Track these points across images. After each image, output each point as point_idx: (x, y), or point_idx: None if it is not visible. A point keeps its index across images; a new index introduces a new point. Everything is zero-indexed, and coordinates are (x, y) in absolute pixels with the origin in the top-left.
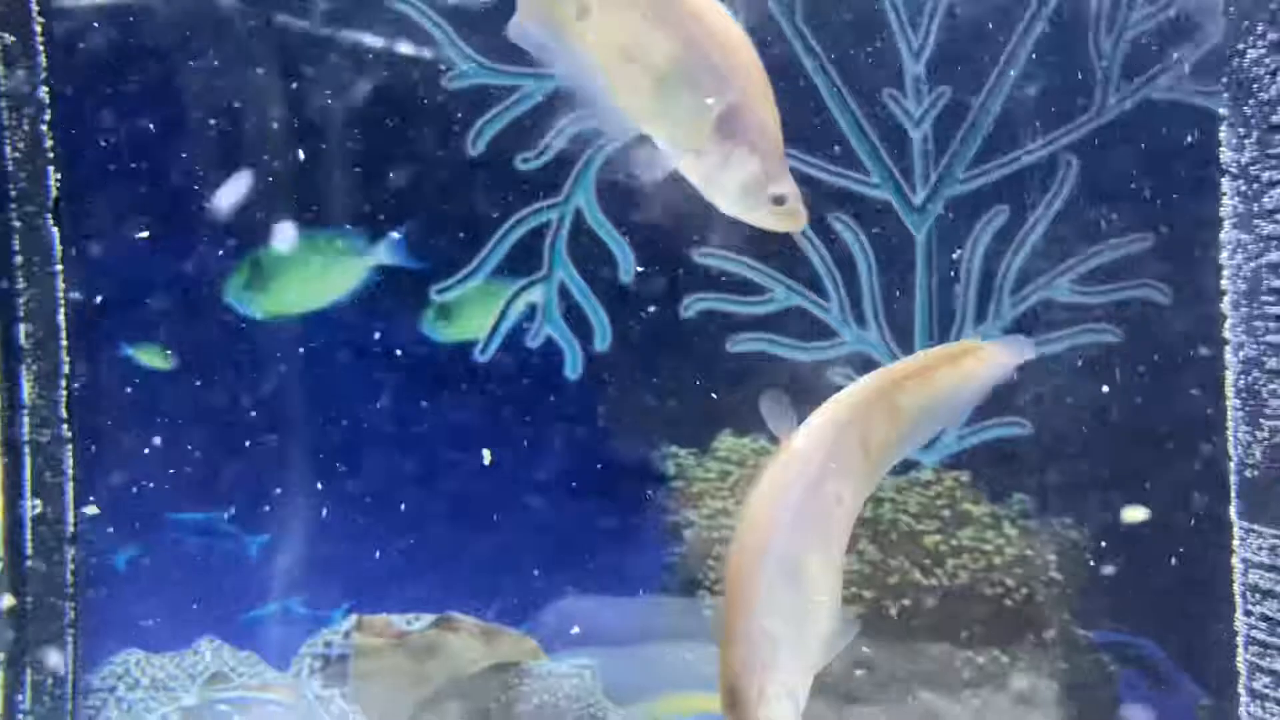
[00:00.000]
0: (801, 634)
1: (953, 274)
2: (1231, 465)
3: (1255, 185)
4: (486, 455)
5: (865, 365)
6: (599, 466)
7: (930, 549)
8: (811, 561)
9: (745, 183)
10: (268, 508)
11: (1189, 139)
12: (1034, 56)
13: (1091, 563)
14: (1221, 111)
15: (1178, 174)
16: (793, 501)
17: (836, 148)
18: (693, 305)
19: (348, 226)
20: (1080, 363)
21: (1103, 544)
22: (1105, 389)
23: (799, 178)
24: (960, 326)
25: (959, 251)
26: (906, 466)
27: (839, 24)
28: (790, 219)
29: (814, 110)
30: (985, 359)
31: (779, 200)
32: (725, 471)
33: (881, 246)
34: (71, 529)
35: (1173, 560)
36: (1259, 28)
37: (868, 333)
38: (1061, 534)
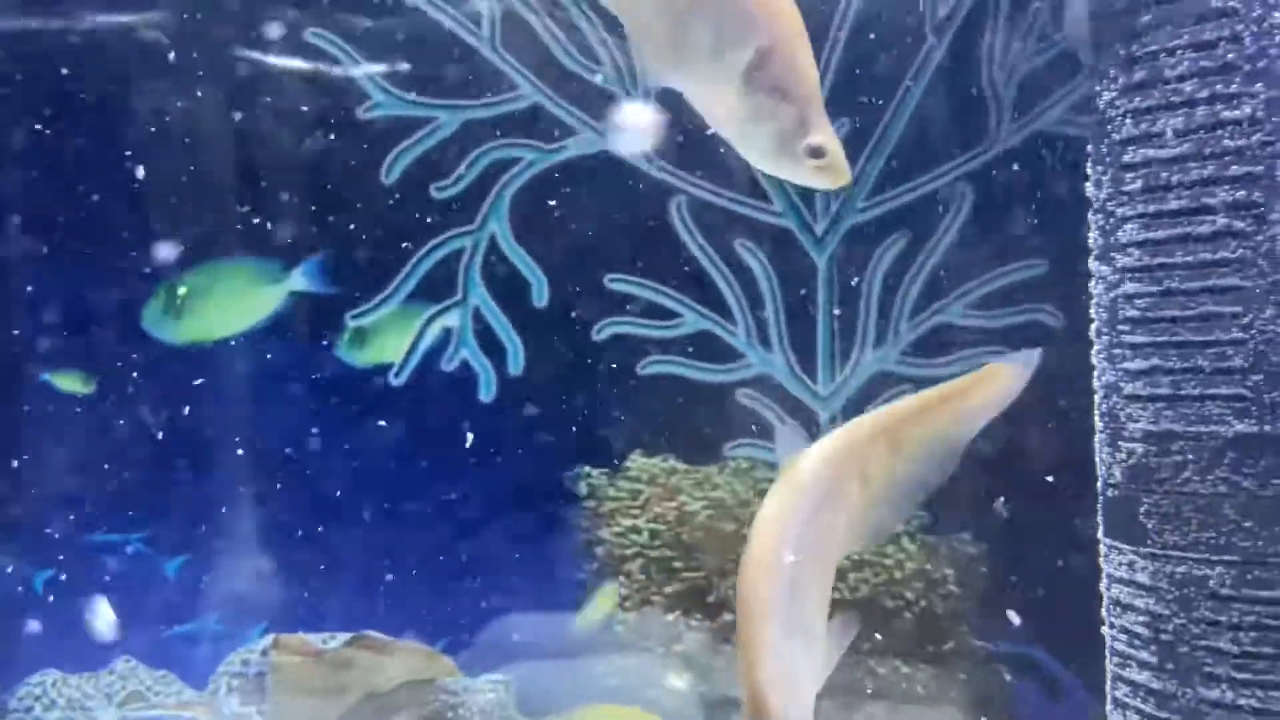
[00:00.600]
0: (810, 650)
1: (854, 297)
2: (1097, 485)
3: (1111, 220)
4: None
5: (770, 387)
6: (513, 486)
7: None
8: (811, 583)
9: (780, 134)
10: (185, 529)
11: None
12: (931, 88)
13: (988, 576)
14: (1087, 149)
15: (1065, 203)
16: (796, 526)
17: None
18: (605, 329)
19: (263, 255)
20: None
21: (998, 558)
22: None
23: (704, 205)
24: (860, 350)
25: (857, 279)
26: None
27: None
28: (831, 173)
29: (718, 139)
30: (997, 381)
31: (817, 153)
32: (636, 490)
33: (785, 272)
34: None
35: (1063, 573)
36: (1112, 72)
37: (773, 355)
38: (958, 549)
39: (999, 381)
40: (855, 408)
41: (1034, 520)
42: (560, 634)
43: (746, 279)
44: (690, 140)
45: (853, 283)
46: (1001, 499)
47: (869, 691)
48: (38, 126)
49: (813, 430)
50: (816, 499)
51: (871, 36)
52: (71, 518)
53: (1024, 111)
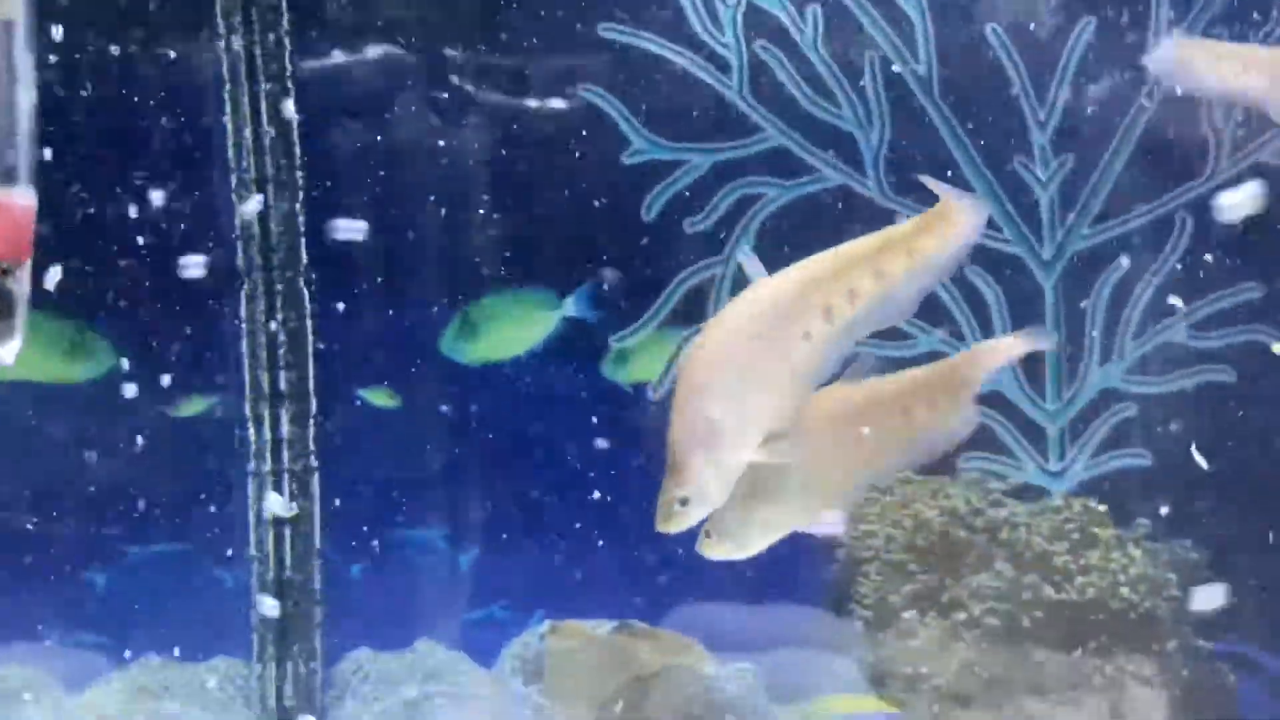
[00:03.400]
0: (742, 426)
1: (1080, 319)
2: None
3: None
4: None
5: (1001, 403)
6: None
7: (1060, 568)
8: (764, 371)
9: None
10: (477, 526)
11: None
12: (1154, 121)
13: (1211, 580)
14: None
15: None
16: (759, 321)
17: None
18: None
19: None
20: (1199, 399)
21: (1223, 562)
22: (1223, 424)
23: None
24: (1087, 367)
25: (1084, 302)
26: (1038, 494)
27: (972, 99)
28: None
29: (951, 178)
30: (948, 218)
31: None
32: (874, 497)
33: (1014, 296)
34: (319, 545)
35: None
36: None
37: (1003, 373)
38: (1180, 554)
39: (949, 218)
40: (1083, 423)
41: (1258, 526)
42: (805, 627)
43: (978, 302)
44: (920, 173)
45: (1080, 305)
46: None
47: (1095, 685)
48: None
49: (1041, 448)
50: (778, 314)
51: (1096, 72)
52: (382, 515)
53: (1244, 143)
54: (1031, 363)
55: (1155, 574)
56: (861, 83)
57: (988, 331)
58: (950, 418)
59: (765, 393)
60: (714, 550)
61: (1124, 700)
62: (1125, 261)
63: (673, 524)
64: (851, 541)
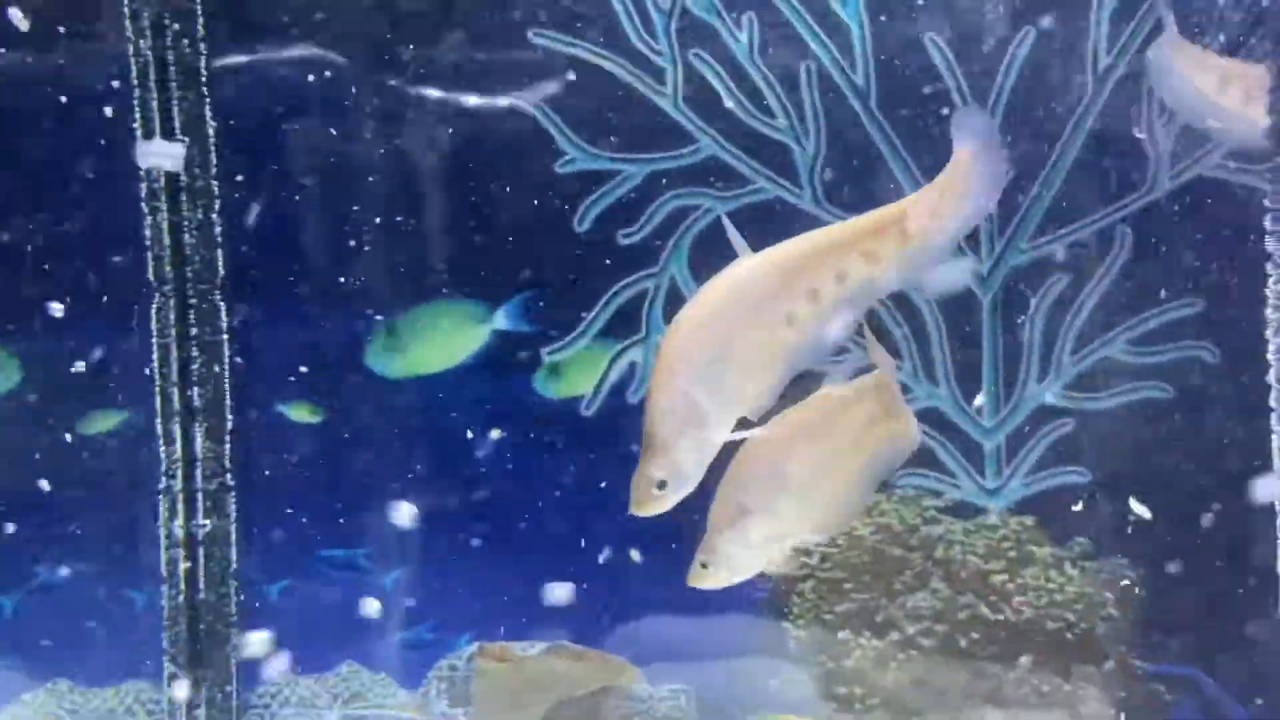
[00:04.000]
0: (719, 408)
1: (1017, 334)
2: (1277, 525)
3: None
4: None
5: (937, 420)
6: (697, 510)
7: (997, 588)
8: (745, 350)
9: None
10: (402, 546)
11: (1239, 211)
12: (1091, 138)
13: (1147, 600)
14: (1266, 202)
15: (1228, 244)
16: (740, 300)
17: None
18: None
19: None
20: (1134, 415)
21: (1157, 582)
22: (1159, 440)
23: None
24: (1024, 385)
25: (1021, 317)
26: (975, 511)
27: (910, 108)
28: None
29: (876, 187)
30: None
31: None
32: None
33: (950, 310)
34: (236, 566)
35: (1226, 600)
36: None
37: (939, 389)
38: (1118, 573)
39: (931, 207)
40: (1019, 440)
41: (1196, 547)
42: (737, 649)
43: (913, 317)
44: (856, 187)
45: (1017, 320)
46: (1141, 505)
47: (1032, 705)
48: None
49: (977, 461)
50: (762, 293)
51: (1035, 85)
52: (304, 533)
53: (1183, 157)
54: (968, 379)
55: (1092, 593)
56: (798, 93)
57: (924, 346)
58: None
59: (746, 372)
60: (709, 580)
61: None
62: (1063, 276)
63: (649, 507)
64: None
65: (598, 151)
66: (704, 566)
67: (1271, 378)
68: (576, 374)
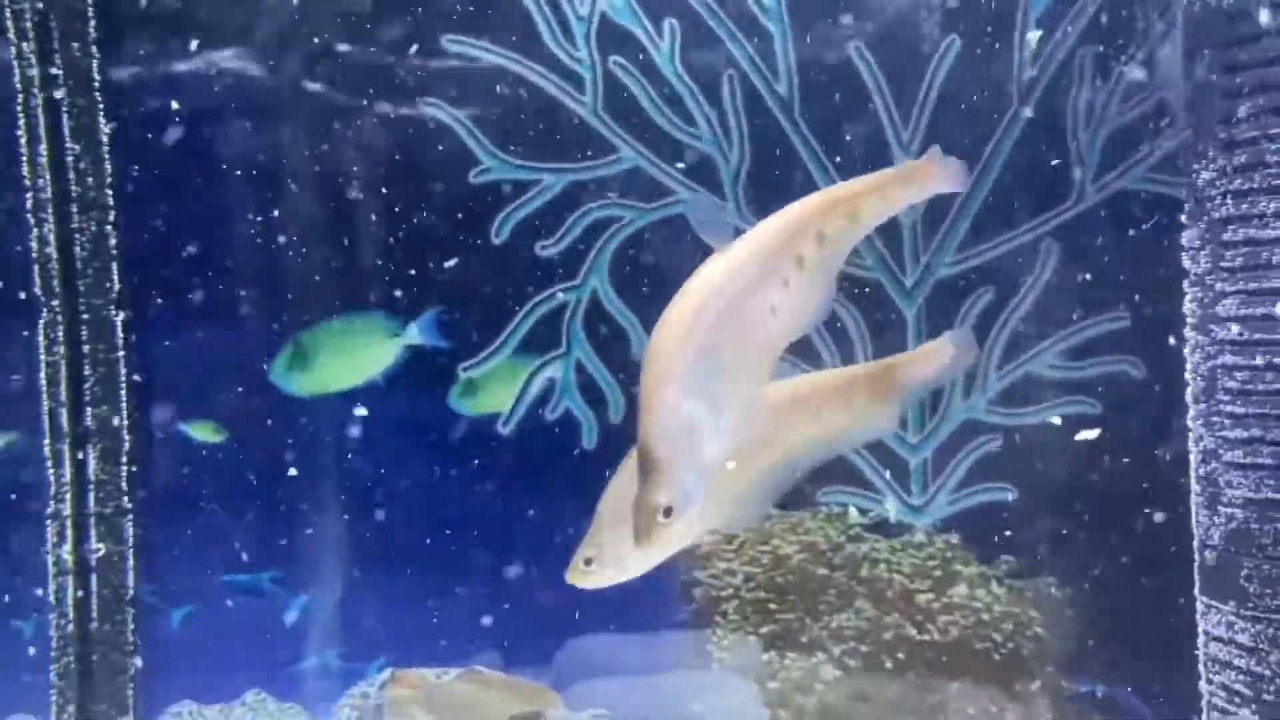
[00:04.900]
0: (716, 419)
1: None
2: (1194, 544)
3: (1210, 293)
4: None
5: None
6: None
7: (922, 607)
8: (733, 350)
9: None
10: (309, 569)
11: (1161, 224)
12: (1018, 147)
13: (1074, 619)
14: (1184, 219)
15: (1151, 258)
16: (723, 300)
17: None
18: None
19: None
20: (1062, 434)
21: (1085, 602)
22: (1089, 459)
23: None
24: (949, 399)
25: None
26: (900, 529)
27: (833, 118)
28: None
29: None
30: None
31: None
32: (730, 535)
33: (875, 323)
34: (132, 592)
35: (1149, 618)
36: (1211, 153)
37: None
38: (1045, 592)
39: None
40: (945, 455)
41: (1122, 565)
42: (661, 672)
43: (837, 329)
44: (778, 196)
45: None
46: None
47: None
48: (166, 180)
49: (904, 478)
50: (744, 284)
51: (960, 95)
52: (206, 557)
53: (1108, 170)
54: None
55: (1019, 612)
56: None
57: (848, 359)
58: (870, 419)
59: (738, 375)
60: (591, 579)
61: None
62: (989, 289)
63: (657, 538)
64: (708, 580)
65: (515, 161)
66: (587, 563)
67: (1188, 396)
68: (493, 390)
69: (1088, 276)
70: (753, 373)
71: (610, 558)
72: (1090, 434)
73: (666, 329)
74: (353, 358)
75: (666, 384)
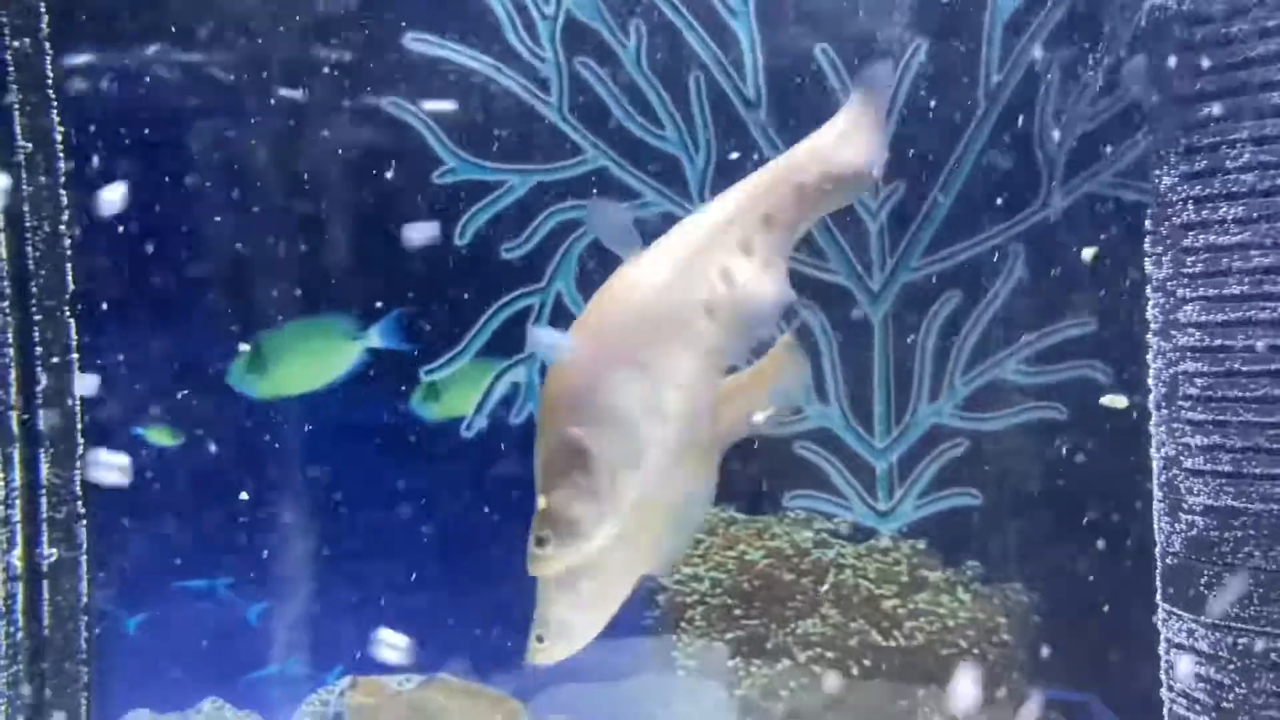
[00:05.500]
0: (630, 443)
1: (909, 353)
2: (1156, 551)
3: (1171, 299)
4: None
5: (827, 439)
6: None
7: (888, 612)
8: (659, 362)
9: None
10: (266, 575)
11: (1128, 229)
12: (985, 153)
13: (1040, 625)
14: (1147, 224)
15: (1116, 263)
16: (641, 305)
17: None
18: None
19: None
20: (1029, 439)
21: (1051, 607)
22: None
23: None
24: (916, 404)
25: (912, 336)
26: (866, 534)
27: (800, 121)
28: None
29: None
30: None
31: None
32: (696, 540)
33: (841, 328)
34: (85, 598)
35: (1115, 624)
36: (1173, 159)
37: (830, 409)
38: (1011, 598)
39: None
40: (911, 460)
41: (1086, 571)
42: (627, 679)
43: (803, 335)
44: None
45: (908, 339)
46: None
47: None
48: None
49: (870, 483)
50: (668, 286)
51: (927, 100)
52: (162, 563)
53: (1075, 174)
54: (857, 397)
55: (985, 618)
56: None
57: (814, 364)
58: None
59: (669, 389)
60: (545, 654)
61: None
62: (955, 294)
63: (534, 566)
64: (674, 585)
65: (479, 161)
66: (539, 640)
67: (1150, 402)
68: (456, 394)
69: (1055, 281)
70: (696, 384)
71: (559, 630)
72: (1119, 400)
73: (565, 346)
74: (313, 361)
75: (554, 410)
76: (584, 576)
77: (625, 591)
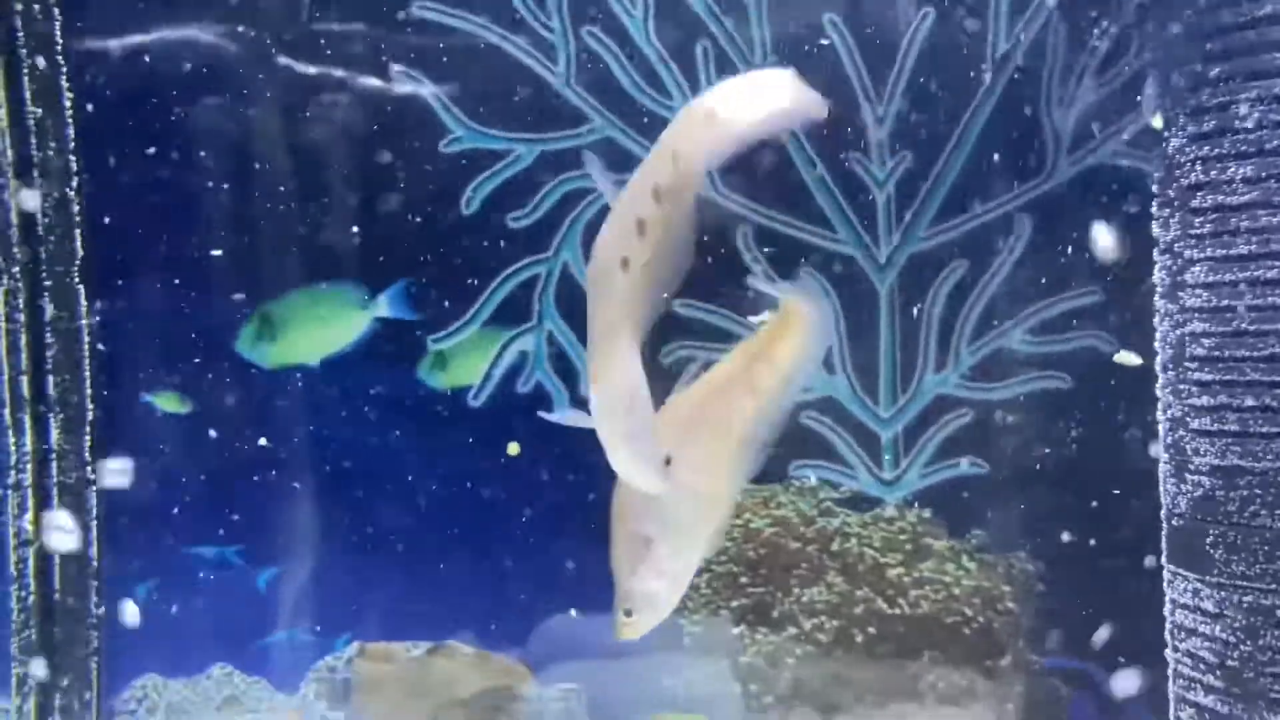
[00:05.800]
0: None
1: (915, 323)
2: (1162, 514)
3: (1179, 260)
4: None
5: (833, 409)
6: (586, 503)
7: (893, 581)
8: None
9: None
10: (275, 542)
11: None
12: (991, 122)
13: (1044, 593)
14: (1154, 188)
15: (1125, 232)
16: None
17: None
18: (672, 352)
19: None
20: (1034, 408)
21: (1055, 577)
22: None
23: (772, 235)
24: (921, 374)
25: (919, 305)
26: (872, 503)
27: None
28: None
29: (784, 170)
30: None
31: None
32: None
33: (848, 298)
34: (96, 564)
35: (1119, 593)
36: (1181, 119)
37: (836, 379)
38: (1016, 566)
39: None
40: (916, 430)
41: (1092, 539)
42: (630, 647)
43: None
44: (757, 170)
45: (914, 309)
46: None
47: (929, 700)
48: (131, 153)
49: (876, 453)
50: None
51: (934, 70)
52: (172, 530)
53: (1081, 144)
54: (863, 367)
55: (989, 587)
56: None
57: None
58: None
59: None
60: (636, 628)
61: (957, 716)
62: (961, 264)
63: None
64: None
65: (486, 130)
66: (627, 615)
67: (1157, 365)
68: (464, 363)
69: (1061, 251)
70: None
71: (646, 602)
72: (1131, 357)
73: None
74: (321, 329)
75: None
76: (662, 547)
77: (698, 560)
